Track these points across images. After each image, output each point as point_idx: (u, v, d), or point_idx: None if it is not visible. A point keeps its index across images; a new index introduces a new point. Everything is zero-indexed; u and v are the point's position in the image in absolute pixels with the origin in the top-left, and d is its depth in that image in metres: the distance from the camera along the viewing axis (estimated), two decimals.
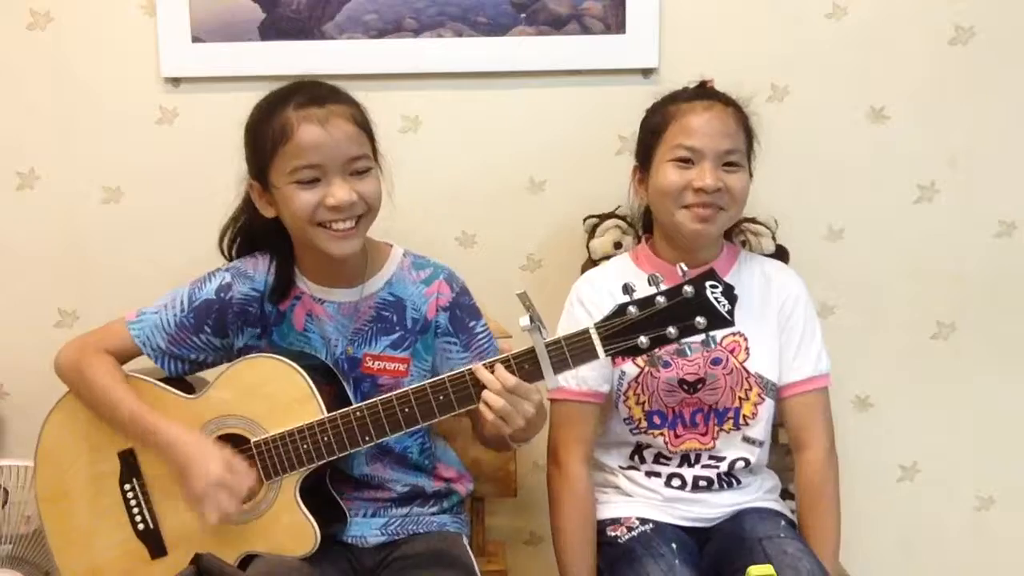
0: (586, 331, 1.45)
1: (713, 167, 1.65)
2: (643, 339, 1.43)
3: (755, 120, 1.74)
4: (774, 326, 1.75)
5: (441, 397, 1.51)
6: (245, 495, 1.54)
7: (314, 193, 1.55)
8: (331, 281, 1.68)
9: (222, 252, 1.73)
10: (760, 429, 1.76)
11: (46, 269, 2.10)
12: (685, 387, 1.73)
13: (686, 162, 1.67)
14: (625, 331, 1.43)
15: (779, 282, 1.77)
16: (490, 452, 1.92)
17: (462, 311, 1.71)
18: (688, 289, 1.42)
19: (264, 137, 1.56)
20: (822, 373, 1.76)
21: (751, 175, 1.73)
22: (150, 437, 1.59)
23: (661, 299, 1.42)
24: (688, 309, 1.42)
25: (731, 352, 1.73)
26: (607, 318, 1.45)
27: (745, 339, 1.73)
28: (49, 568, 1.95)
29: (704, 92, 1.73)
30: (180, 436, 1.57)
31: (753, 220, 1.95)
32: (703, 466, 1.76)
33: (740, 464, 1.76)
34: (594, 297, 1.74)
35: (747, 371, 1.73)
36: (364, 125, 1.60)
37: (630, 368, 1.74)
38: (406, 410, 1.52)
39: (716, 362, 1.73)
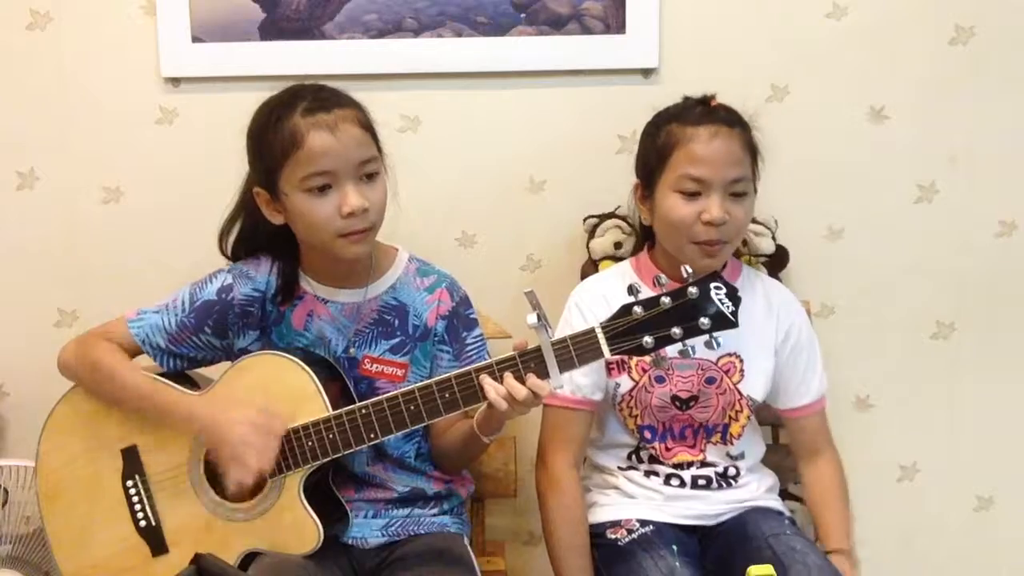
0: (592, 330, 1.46)
1: (720, 198, 1.64)
2: (648, 339, 1.44)
3: (758, 135, 1.72)
4: (770, 350, 1.75)
5: (447, 395, 1.51)
6: (277, 442, 1.53)
7: (327, 202, 1.56)
8: (337, 282, 1.68)
9: (223, 254, 1.73)
10: (742, 447, 1.78)
11: (46, 269, 2.10)
12: (678, 403, 1.73)
13: (693, 194, 1.65)
14: (630, 331, 1.44)
15: (779, 307, 1.77)
16: (491, 452, 1.92)
17: (459, 321, 1.71)
18: (693, 290, 1.43)
19: (272, 145, 1.56)
20: (824, 393, 1.81)
21: (756, 190, 1.72)
22: (167, 414, 1.60)
23: (666, 300, 1.44)
24: (692, 310, 1.43)
25: (726, 372, 1.73)
26: (612, 318, 1.46)
27: (741, 361, 1.73)
28: (49, 568, 1.94)
29: (709, 114, 1.68)
30: (196, 405, 1.59)
31: (753, 220, 1.94)
32: (697, 468, 1.76)
33: (732, 471, 1.77)
34: (592, 305, 1.73)
35: (740, 393, 1.74)
36: (369, 127, 1.61)
37: (625, 381, 1.74)
38: (412, 408, 1.52)
39: (710, 381, 1.73)
